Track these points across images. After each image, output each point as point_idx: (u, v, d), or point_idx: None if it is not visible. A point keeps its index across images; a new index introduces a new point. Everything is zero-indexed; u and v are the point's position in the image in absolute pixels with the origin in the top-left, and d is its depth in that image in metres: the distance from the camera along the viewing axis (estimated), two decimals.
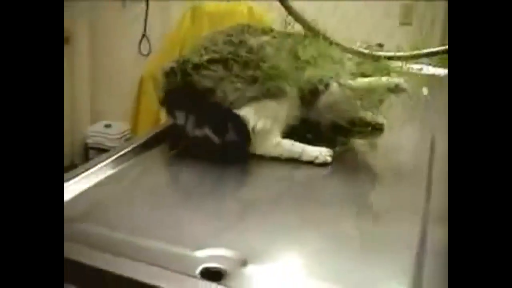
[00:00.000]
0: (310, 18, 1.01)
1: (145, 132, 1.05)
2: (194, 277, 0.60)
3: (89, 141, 3.03)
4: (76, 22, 2.84)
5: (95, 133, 3.02)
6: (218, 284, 0.58)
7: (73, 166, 2.15)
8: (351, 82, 0.97)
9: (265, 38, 0.98)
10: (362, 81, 0.97)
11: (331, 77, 0.96)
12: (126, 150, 0.94)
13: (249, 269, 0.62)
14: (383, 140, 1.02)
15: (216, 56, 0.94)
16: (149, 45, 2.92)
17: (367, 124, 1.00)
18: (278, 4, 1.00)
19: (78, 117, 3.05)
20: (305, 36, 1.01)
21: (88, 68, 3.03)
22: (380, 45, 1.24)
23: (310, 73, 0.94)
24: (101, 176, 0.86)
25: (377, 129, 1.00)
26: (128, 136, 2.96)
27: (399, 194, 0.86)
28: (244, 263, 0.62)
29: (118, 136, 2.96)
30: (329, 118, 1.00)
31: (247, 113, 0.92)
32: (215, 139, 0.91)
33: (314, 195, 0.85)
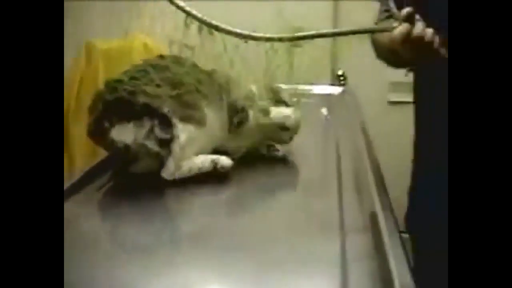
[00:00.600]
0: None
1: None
2: None
3: None
4: None
5: None
6: None
7: None
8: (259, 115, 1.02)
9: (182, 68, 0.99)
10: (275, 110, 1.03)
11: (250, 105, 1.00)
12: None
13: None
14: (290, 159, 1.06)
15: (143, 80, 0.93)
16: None
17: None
18: (171, 36, 1.00)
19: None
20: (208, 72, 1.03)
21: None
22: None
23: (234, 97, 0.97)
24: None
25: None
26: None
27: (312, 205, 0.89)
28: None
29: None
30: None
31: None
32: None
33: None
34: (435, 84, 1.18)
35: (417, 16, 1.01)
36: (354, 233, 0.75)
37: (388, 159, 1.94)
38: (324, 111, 1.39)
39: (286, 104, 1.07)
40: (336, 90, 1.78)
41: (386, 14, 1.23)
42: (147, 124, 0.89)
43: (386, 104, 2.65)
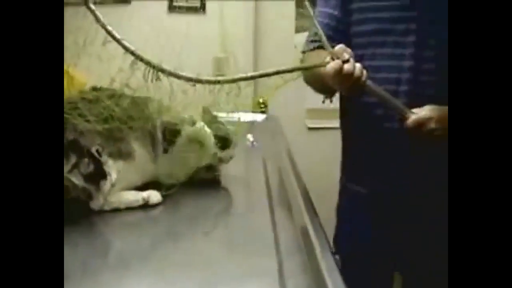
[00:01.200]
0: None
1: None
2: None
3: None
4: None
5: None
6: None
7: None
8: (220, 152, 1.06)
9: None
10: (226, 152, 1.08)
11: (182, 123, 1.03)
12: None
13: None
14: (222, 184, 1.11)
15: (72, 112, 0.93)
16: None
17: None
18: (100, 68, 1.02)
19: None
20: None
21: None
22: None
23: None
24: None
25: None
26: None
27: (247, 225, 0.93)
28: None
29: None
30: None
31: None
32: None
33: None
34: (363, 108, 1.30)
35: (348, 50, 1.12)
36: (289, 251, 0.79)
37: (311, 181, 2.03)
38: (250, 137, 1.45)
39: (222, 124, 1.12)
40: (260, 117, 1.85)
41: (314, 44, 1.33)
42: (72, 159, 0.89)
43: (306, 130, 2.77)
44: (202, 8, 2.60)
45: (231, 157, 1.12)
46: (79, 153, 0.89)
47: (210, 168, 1.10)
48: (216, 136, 1.09)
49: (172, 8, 2.61)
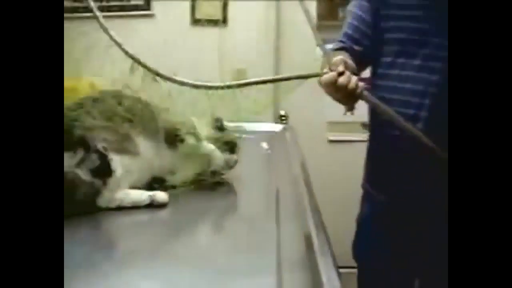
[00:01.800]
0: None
1: None
2: None
3: None
4: None
5: None
6: None
7: None
8: (203, 143, 1.07)
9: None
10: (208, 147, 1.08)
11: (188, 132, 1.04)
12: None
13: None
14: (231, 187, 1.11)
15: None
16: None
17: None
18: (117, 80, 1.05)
19: None
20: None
21: None
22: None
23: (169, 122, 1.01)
24: None
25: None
26: None
27: (251, 234, 0.92)
28: None
29: None
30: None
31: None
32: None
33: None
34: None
35: (349, 62, 1.15)
36: (291, 259, 0.79)
37: (330, 192, 2.03)
38: (264, 145, 1.46)
39: (225, 131, 1.13)
40: (278, 127, 1.86)
41: (339, 44, 1.35)
42: (79, 154, 0.91)
43: (326, 142, 2.77)
44: (223, 20, 2.64)
45: (235, 162, 1.13)
46: (86, 148, 0.92)
47: (215, 172, 1.11)
48: (222, 141, 1.10)
49: (194, 21, 2.65)
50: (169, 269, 0.75)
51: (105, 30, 0.92)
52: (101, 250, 0.83)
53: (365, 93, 1.14)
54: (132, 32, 2.26)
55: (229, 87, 1.02)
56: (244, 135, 1.17)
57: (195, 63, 1.17)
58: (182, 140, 1.05)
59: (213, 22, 2.61)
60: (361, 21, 1.32)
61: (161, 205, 0.98)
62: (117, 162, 0.94)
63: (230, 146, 1.12)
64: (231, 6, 2.66)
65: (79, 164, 0.91)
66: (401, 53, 1.25)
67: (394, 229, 1.33)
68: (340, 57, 1.14)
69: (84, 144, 0.92)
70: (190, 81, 0.97)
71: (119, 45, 0.92)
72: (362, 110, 1.40)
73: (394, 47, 1.27)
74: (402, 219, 1.31)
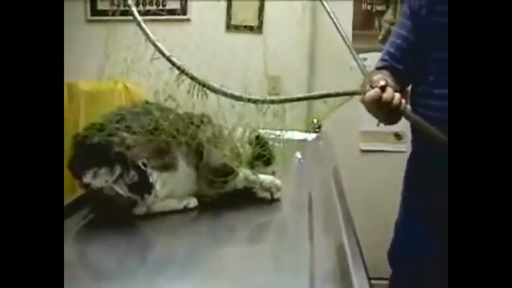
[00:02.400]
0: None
1: None
2: None
3: None
4: None
5: None
6: None
7: None
8: (251, 175, 1.08)
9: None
10: (257, 178, 1.08)
11: (237, 167, 1.05)
12: None
13: None
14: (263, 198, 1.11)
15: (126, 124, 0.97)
16: None
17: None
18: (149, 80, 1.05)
19: None
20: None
21: None
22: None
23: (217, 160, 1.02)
24: None
25: None
26: None
27: (282, 245, 0.92)
28: None
29: None
30: None
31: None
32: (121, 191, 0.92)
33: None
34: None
35: (389, 81, 1.14)
36: (323, 273, 0.78)
37: (363, 202, 2.00)
38: (298, 154, 1.45)
39: (269, 148, 1.14)
40: (311, 136, 1.84)
41: (382, 63, 1.35)
42: (117, 170, 0.92)
43: (359, 152, 2.74)
44: (259, 27, 2.63)
45: (273, 173, 1.13)
46: (124, 164, 0.92)
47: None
48: (259, 154, 1.11)
49: (229, 27, 2.66)
50: (201, 283, 0.75)
51: (149, 38, 0.91)
52: (132, 256, 0.85)
53: (408, 110, 1.14)
54: (168, 37, 2.28)
55: (272, 102, 1.00)
56: (278, 144, 1.17)
57: (229, 69, 1.17)
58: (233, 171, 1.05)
59: (248, 28, 2.62)
60: (403, 39, 1.33)
61: (193, 209, 1.01)
62: (156, 178, 0.95)
63: (267, 160, 1.12)
64: (267, 12, 2.66)
65: (116, 180, 0.92)
66: (443, 72, 1.20)
67: (431, 235, 1.33)
68: (380, 75, 1.14)
69: (123, 159, 0.93)
70: (238, 93, 0.95)
71: (163, 54, 0.91)
72: None
73: (436, 65, 1.26)
74: (438, 225, 1.27)
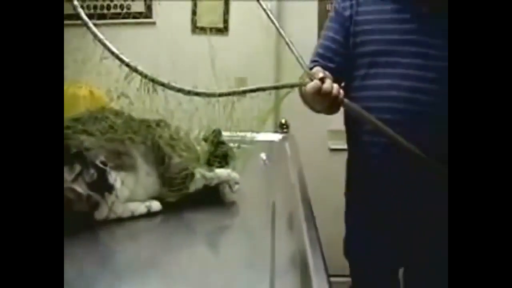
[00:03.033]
0: None
1: None
2: None
3: None
4: None
5: None
6: None
7: None
8: (207, 173, 1.08)
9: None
10: (214, 174, 1.08)
11: (194, 168, 1.05)
12: None
13: None
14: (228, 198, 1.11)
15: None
16: None
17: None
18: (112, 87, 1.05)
19: None
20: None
21: None
22: None
23: (177, 164, 1.03)
24: None
25: None
26: None
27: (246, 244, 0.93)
28: None
29: None
30: None
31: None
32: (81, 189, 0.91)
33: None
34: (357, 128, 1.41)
35: (326, 73, 1.23)
36: (284, 271, 0.80)
37: (331, 199, 2.02)
38: (263, 155, 1.46)
39: (224, 145, 1.14)
40: (277, 137, 1.85)
41: (313, 64, 1.43)
42: (77, 168, 0.91)
43: (328, 151, 2.77)
44: (225, 29, 2.64)
45: (232, 168, 1.13)
46: (83, 163, 0.92)
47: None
48: (220, 156, 1.12)
49: (195, 29, 2.65)
50: (162, 285, 0.75)
51: (97, 37, 0.91)
52: (93, 264, 0.83)
53: (346, 100, 1.21)
54: (133, 40, 2.26)
55: (220, 95, 1.02)
56: (242, 145, 1.17)
57: (196, 71, 1.17)
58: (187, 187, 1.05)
59: (214, 30, 2.62)
60: (332, 40, 1.43)
61: (156, 213, 1.00)
62: (116, 177, 0.95)
63: (227, 160, 1.13)
64: (232, 14, 2.67)
65: (75, 178, 0.91)
66: (373, 64, 1.36)
67: (375, 227, 1.43)
68: (318, 68, 1.23)
69: (82, 159, 0.92)
70: (186, 88, 0.97)
71: (112, 52, 0.92)
72: None
73: (366, 60, 1.37)
74: (382, 217, 1.41)
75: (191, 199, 1.06)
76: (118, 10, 2.64)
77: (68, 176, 0.91)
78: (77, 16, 0.91)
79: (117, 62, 0.92)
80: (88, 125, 0.98)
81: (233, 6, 2.69)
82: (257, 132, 1.22)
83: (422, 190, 1.32)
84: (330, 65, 1.41)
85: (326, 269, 0.79)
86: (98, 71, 1.00)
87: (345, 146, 1.55)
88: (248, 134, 1.19)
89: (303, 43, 1.43)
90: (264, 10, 1.22)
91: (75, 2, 0.90)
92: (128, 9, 2.67)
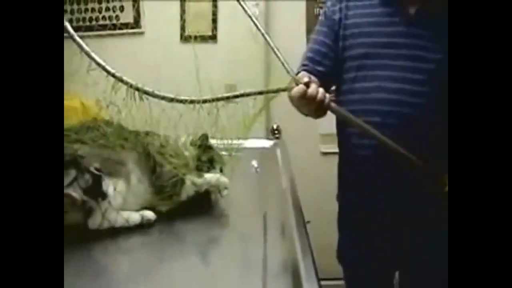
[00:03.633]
0: None
1: None
2: None
3: None
4: None
5: None
6: None
7: None
8: (197, 180, 1.09)
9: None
10: (203, 180, 1.10)
11: (184, 175, 1.06)
12: None
13: None
14: (218, 209, 1.13)
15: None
16: None
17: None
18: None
19: None
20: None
21: None
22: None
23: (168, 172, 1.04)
24: None
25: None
26: None
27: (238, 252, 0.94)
28: None
29: None
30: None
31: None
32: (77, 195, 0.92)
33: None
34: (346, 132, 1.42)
35: (312, 77, 1.25)
36: (276, 278, 0.81)
37: (324, 202, 2.03)
38: (254, 163, 1.46)
39: (211, 149, 1.16)
40: (268, 143, 1.85)
41: (302, 68, 1.44)
42: (72, 174, 0.92)
43: (319, 155, 2.77)
44: (213, 37, 2.64)
45: (220, 171, 1.15)
46: (78, 169, 0.93)
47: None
48: (208, 161, 1.13)
49: (184, 37, 2.66)
50: None
51: (83, 49, 0.94)
52: (90, 277, 0.83)
53: (333, 104, 1.23)
54: (122, 51, 2.26)
55: (204, 101, 1.05)
56: (233, 153, 1.18)
57: (185, 79, 1.18)
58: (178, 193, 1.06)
59: (203, 39, 2.62)
60: (321, 44, 1.44)
61: (150, 224, 1.00)
62: (109, 185, 0.95)
63: (213, 164, 1.14)
64: (221, 23, 2.68)
65: (71, 183, 0.92)
66: (362, 67, 1.37)
67: (367, 230, 1.44)
68: (304, 73, 1.25)
69: (77, 165, 0.93)
70: (169, 95, 1.00)
71: (98, 63, 0.94)
72: None
73: (355, 63, 1.38)
74: (374, 221, 1.41)
75: (182, 209, 1.07)
76: (107, 22, 2.65)
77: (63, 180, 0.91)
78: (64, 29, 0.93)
79: (104, 73, 0.95)
80: (81, 134, 0.99)
81: (221, 13, 2.70)
82: (244, 139, 1.22)
83: (411, 192, 1.32)
84: (320, 68, 1.43)
85: (316, 274, 0.80)
86: (85, 82, 1.01)
87: (337, 150, 1.56)
88: (235, 141, 1.19)
89: (291, 46, 1.44)
90: (248, 15, 1.24)
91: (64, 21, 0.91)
92: (117, 20, 2.68)
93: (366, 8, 1.39)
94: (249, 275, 0.82)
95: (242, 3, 1.26)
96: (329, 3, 1.47)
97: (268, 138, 2.03)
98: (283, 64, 1.21)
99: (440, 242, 1.07)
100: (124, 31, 2.66)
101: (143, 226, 1.00)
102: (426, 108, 1.28)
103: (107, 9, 2.66)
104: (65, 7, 0.94)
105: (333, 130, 1.52)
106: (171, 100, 1.00)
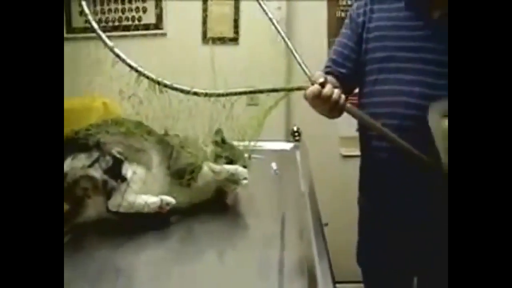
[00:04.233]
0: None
1: None
2: None
3: None
4: None
5: None
6: None
7: None
8: (214, 166, 1.10)
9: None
10: (222, 168, 1.11)
11: (202, 162, 1.08)
12: None
13: None
14: (236, 211, 1.13)
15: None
16: None
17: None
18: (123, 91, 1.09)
19: None
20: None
21: None
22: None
23: (186, 157, 1.07)
24: None
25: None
26: None
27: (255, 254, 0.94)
28: None
29: None
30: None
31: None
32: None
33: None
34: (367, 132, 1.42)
35: (329, 78, 1.25)
36: (292, 280, 0.81)
37: (343, 205, 2.02)
38: (273, 165, 1.46)
39: (226, 144, 1.17)
40: (288, 145, 1.84)
41: (326, 69, 1.46)
42: (95, 155, 0.97)
43: (340, 158, 2.76)
44: (235, 39, 2.65)
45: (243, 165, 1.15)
46: (101, 151, 0.98)
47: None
48: (224, 155, 1.14)
49: (206, 39, 2.67)
50: None
51: (107, 46, 0.99)
52: (108, 278, 0.84)
53: (348, 105, 1.22)
54: (145, 51, 2.28)
55: (219, 95, 1.07)
56: (253, 155, 1.18)
57: (205, 81, 1.18)
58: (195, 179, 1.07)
59: (224, 40, 2.63)
60: (344, 46, 1.46)
61: (164, 224, 1.01)
62: (129, 169, 0.98)
63: (233, 159, 1.14)
64: (243, 24, 2.68)
65: (93, 164, 0.96)
66: (383, 70, 1.37)
67: (387, 233, 1.44)
68: (320, 72, 1.23)
69: (99, 147, 0.98)
70: (186, 88, 1.04)
71: (121, 58, 0.99)
72: None
73: (376, 66, 1.39)
74: (393, 224, 1.41)
75: (199, 208, 1.07)
76: (130, 22, 2.68)
77: (86, 162, 0.96)
78: (91, 29, 0.99)
79: (127, 67, 1.00)
80: (107, 127, 1.04)
81: (243, 15, 2.70)
82: (258, 133, 1.22)
83: (428, 195, 1.31)
84: (342, 70, 1.44)
85: (333, 277, 0.80)
86: (110, 76, 1.05)
87: (357, 153, 1.56)
88: (252, 143, 1.19)
89: (312, 49, 1.44)
90: (269, 17, 1.25)
91: (89, 17, 0.98)
92: (139, 21, 2.70)
93: (390, 12, 1.40)
94: (265, 277, 0.83)
95: (263, 6, 1.26)
96: (354, 6, 1.49)
97: (288, 141, 2.03)
98: (300, 64, 1.21)
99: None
100: (146, 32, 2.68)
101: (159, 227, 1.01)
102: None
103: (130, 10, 2.68)
104: (89, 8, 0.97)
105: (354, 133, 1.52)
106: (188, 92, 1.03)
